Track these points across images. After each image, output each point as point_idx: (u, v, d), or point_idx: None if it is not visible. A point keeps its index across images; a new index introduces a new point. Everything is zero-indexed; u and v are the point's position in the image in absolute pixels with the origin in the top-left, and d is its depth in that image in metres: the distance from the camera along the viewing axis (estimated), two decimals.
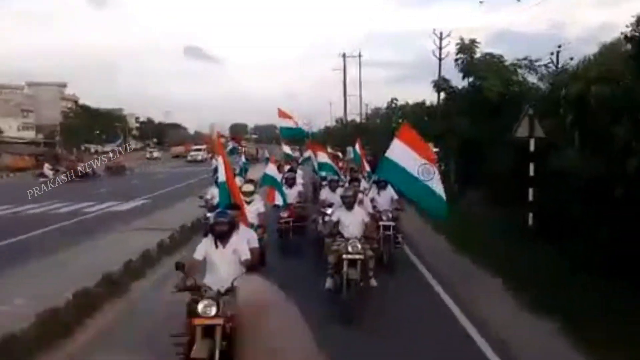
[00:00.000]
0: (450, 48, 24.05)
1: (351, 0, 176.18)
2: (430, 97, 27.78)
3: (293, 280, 8.02)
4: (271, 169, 12.08)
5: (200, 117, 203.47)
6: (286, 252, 11.13)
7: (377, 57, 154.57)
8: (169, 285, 5.62)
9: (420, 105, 31.39)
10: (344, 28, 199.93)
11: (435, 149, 17.29)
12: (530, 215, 10.36)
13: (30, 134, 69.74)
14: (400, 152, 8.88)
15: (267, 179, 11.93)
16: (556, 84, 13.73)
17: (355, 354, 6.01)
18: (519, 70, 17.84)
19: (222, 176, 7.59)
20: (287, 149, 19.24)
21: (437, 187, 8.49)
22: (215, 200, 10.49)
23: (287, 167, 16.86)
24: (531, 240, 10.27)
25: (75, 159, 49.45)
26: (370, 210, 9.34)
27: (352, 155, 22.47)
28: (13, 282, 9.19)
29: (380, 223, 9.84)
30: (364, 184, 12.07)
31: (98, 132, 76.37)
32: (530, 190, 10.39)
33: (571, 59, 16.24)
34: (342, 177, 13.88)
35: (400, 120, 27.03)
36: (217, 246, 5.67)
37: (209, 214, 10.47)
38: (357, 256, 7.46)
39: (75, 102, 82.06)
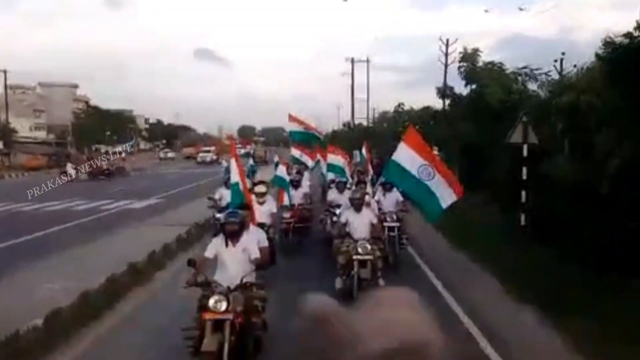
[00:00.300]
0: (459, 53, 24.71)
1: (362, 3, 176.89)
2: (438, 101, 28.36)
3: (303, 280, 8.68)
4: (282, 171, 12.55)
5: (208, 119, 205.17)
6: (287, 253, 11.22)
7: (387, 61, 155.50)
8: (183, 280, 5.83)
9: (427, 109, 32.03)
10: (353, 31, 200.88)
11: (438, 153, 17.89)
12: (523, 215, 11.07)
13: (41, 134, 70.66)
14: (405, 155, 9.15)
15: (278, 181, 12.44)
16: (553, 92, 14.42)
17: None
18: (520, 78, 18.56)
19: (234, 177, 8.01)
20: (295, 152, 19.88)
21: (437, 189, 8.80)
22: (224, 201, 11.03)
23: (294, 171, 17.12)
24: (524, 239, 10.96)
25: (86, 159, 50.43)
26: (377, 212, 9.61)
27: (358, 159, 23.17)
28: (54, 266, 10.32)
29: (385, 224, 10.01)
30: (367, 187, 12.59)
31: (109, 133, 77.49)
32: (523, 193, 11.08)
33: (574, 66, 16.83)
34: (350, 179, 14.25)
35: (406, 124, 27.69)
36: (227, 245, 5.82)
37: (217, 215, 11.04)
38: (367, 257, 7.76)
39: (87, 102, 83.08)
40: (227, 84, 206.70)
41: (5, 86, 54.39)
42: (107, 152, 62.81)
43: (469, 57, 19.11)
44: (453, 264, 10.88)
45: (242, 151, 27.22)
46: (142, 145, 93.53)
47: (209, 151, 62.53)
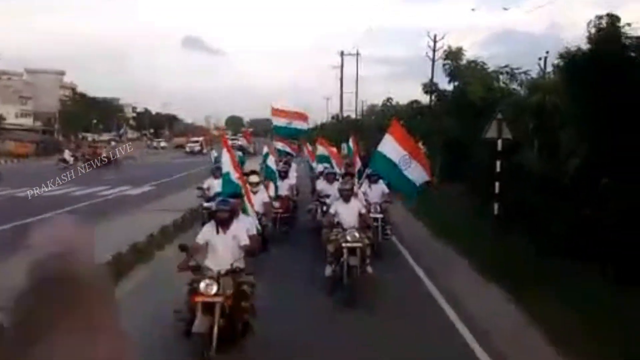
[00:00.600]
0: (443, 51, 25.41)
1: None
2: (424, 96, 29.06)
3: (293, 268, 9.34)
4: (271, 162, 13.12)
5: (196, 108, 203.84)
6: (276, 242, 11.34)
7: (376, 54, 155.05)
8: (180, 258, 5.98)
9: (414, 103, 32.78)
10: (343, 23, 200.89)
11: (422, 147, 18.72)
12: (496, 205, 11.99)
13: (28, 121, 69.82)
14: (389, 147, 9.72)
15: (269, 171, 12.94)
16: (530, 91, 15.35)
17: (359, 329, 6.92)
18: (502, 77, 19.49)
19: (225, 167, 8.24)
20: (279, 145, 20.33)
21: (412, 176, 9.54)
22: (212, 191, 11.59)
23: (282, 161, 17.42)
24: (496, 226, 11.90)
25: (73, 147, 50.52)
26: (364, 203, 9.93)
27: (346, 151, 23.86)
28: None
29: (370, 215, 9.97)
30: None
31: (95, 121, 77.18)
32: (497, 184, 11.96)
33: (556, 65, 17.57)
34: (338, 170, 14.73)
35: (392, 118, 28.34)
36: (218, 232, 6.03)
37: (205, 204, 11.66)
38: (356, 244, 7.92)
39: (73, 90, 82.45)
40: (215, 74, 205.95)
41: None
42: (93, 140, 62.79)
43: (453, 55, 19.97)
44: (434, 252, 11.64)
45: (238, 143, 27.55)
46: (130, 134, 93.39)
47: (197, 141, 63.28)
